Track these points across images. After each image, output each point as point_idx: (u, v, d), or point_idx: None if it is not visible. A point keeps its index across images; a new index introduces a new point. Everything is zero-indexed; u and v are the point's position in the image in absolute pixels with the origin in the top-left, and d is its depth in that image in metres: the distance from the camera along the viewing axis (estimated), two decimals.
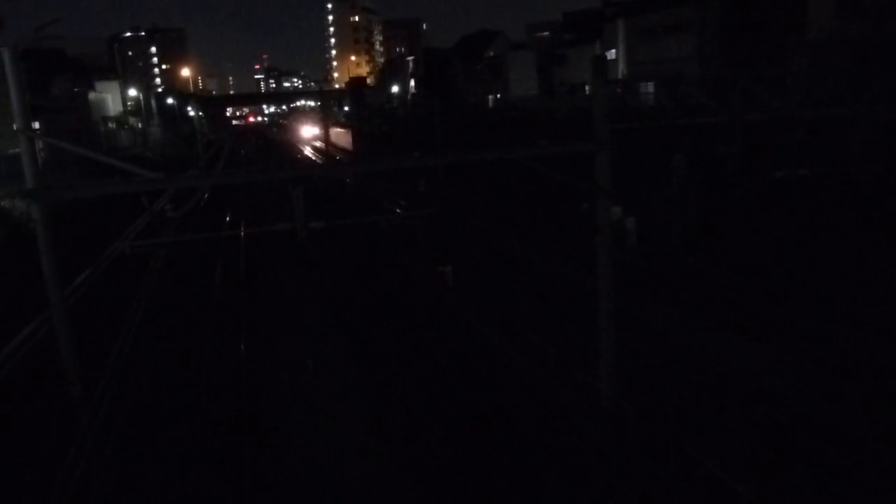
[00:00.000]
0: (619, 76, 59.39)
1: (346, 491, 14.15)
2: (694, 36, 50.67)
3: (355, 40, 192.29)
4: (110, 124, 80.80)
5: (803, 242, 23.81)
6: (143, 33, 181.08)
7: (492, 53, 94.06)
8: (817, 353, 18.47)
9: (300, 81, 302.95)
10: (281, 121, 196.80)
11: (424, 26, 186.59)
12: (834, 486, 13.09)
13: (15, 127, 13.47)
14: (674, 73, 49.33)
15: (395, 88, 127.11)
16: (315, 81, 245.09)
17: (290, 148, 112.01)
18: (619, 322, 16.25)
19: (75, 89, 72.41)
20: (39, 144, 23.11)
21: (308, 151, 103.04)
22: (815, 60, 38.20)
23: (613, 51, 61.90)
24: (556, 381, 17.93)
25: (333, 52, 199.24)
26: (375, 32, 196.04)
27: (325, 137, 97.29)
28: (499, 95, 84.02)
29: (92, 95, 77.04)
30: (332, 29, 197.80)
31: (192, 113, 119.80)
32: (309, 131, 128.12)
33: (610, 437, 15.25)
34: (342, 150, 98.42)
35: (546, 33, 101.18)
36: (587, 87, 60.17)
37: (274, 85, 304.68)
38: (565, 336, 20.81)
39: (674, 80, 44.86)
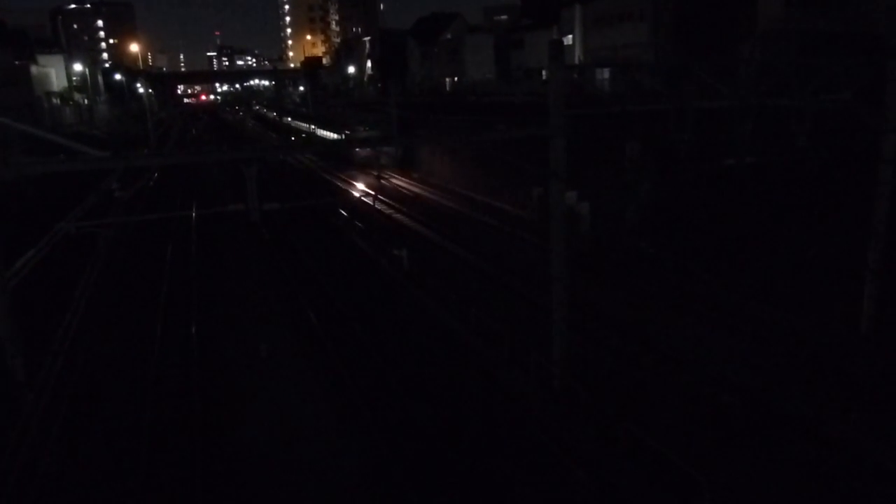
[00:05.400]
0: (576, 61, 59.73)
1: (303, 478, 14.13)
2: (648, 24, 51.31)
3: (311, 19, 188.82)
4: (54, 100, 77.80)
5: (749, 228, 24.46)
6: (88, 5, 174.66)
7: (449, 36, 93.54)
8: (761, 335, 19.07)
9: (254, 60, 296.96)
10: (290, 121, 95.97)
11: (381, 6, 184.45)
12: (779, 464, 13.60)
13: None
14: (629, 59, 49.89)
15: (351, 69, 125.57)
16: (269, 60, 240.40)
17: None
18: (571, 305, 16.47)
19: (16, 62, 69.41)
20: None
21: None
22: (765, 51, 39.10)
23: (570, 36, 62.20)
24: (510, 363, 18.11)
25: (288, 30, 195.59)
26: (331, 11, 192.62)
27: None
28: (456, 78, 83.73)
29: (34, 69, 73.98)
30: (287, 7, 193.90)
31: (141, 90, 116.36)
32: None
33: (561, 419, 15.50)
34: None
35: (504, 17, 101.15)
36: (544, 72, 60.43)
37: (227, 63, 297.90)
38: (519, 318, 21.01)
39: (629, 66, 45.38)
